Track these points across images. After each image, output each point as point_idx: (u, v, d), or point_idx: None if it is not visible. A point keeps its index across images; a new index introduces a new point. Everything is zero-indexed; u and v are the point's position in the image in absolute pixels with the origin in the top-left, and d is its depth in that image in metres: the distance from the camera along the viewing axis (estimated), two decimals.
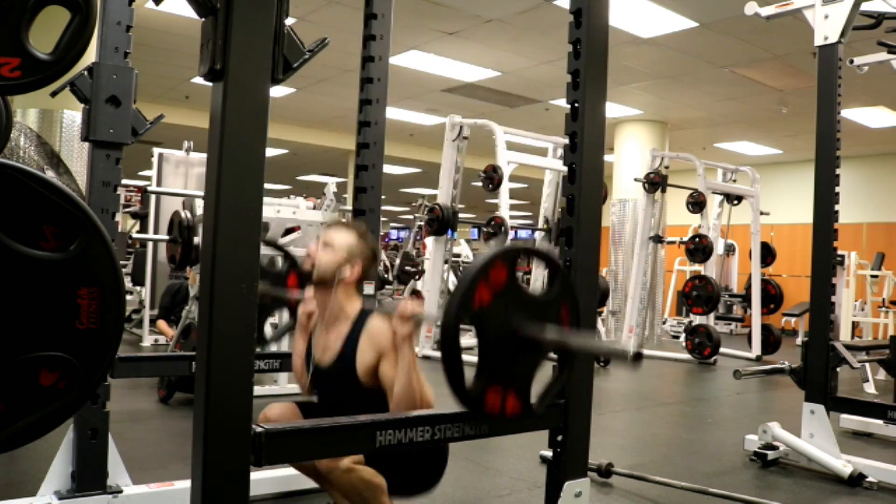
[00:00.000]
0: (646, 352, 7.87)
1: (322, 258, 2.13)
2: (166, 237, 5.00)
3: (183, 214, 4.64)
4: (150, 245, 7.29)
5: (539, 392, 1.71)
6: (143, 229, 7.77)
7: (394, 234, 24.63)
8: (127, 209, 8.93)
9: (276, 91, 8.63)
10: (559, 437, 1.87)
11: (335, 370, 2.14)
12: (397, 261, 10.31)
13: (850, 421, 4.18)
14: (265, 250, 2.78)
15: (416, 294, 9.86)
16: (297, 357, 2.28)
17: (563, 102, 3.38)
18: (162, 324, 6.23)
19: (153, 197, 7.34)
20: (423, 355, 6.57)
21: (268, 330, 4.23)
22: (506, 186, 6.69)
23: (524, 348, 1.62)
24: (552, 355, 1.73)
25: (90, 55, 1.84)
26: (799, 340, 9.00)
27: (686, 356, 7.38)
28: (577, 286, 1.80)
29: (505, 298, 1.58)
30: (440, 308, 6.96)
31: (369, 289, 2.65)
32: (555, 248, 6.84)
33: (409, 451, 2.00)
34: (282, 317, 4.26)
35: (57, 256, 1.11)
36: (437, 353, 6.80)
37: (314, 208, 5.48)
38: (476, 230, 19.32)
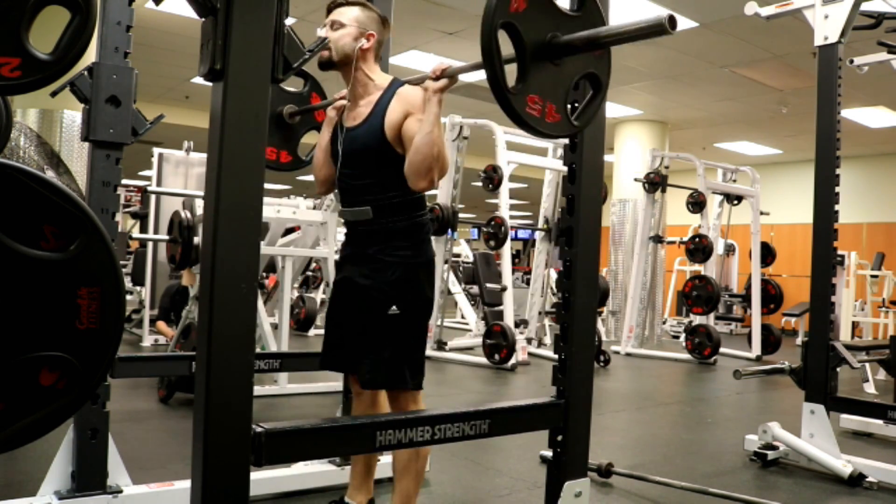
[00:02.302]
0: (646, 352, 7.88)
1: (335, 37, 2.13)
2: (166, 237, 5.01)
3: (183, 214, 4.65)
4: (150, 245, 7.29)
5: (580, 108, 1.64)
6: (143, 229, 7.77)
7: None
8: (127, 209, 8.93)
9: None
10: (559, 437, 1.87)
11: (362, 130, 2.13)
12: None
13: (850, 421, 4.18)
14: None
15: None
16: (320, 150, 2.28)
17: None
18: (161, 324, 6.24)
19: (153, 197, 7.34)
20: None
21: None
22: (506, 186, 6.69)
23: (560, 60, 1.56)
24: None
25: (90, 55, 1.84)
26: (799, 340, 9.00)
27: (686, 356, 7.38)
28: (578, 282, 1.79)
29: (539, 8, 1.52)
30: (440, 308, 6.97)
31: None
32: (554, 248, 6.81)
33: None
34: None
35: (57, 256, 1.11)
36: (439, 354, 6.82)
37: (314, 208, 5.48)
38: (476, 230, 19.31)
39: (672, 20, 1.36)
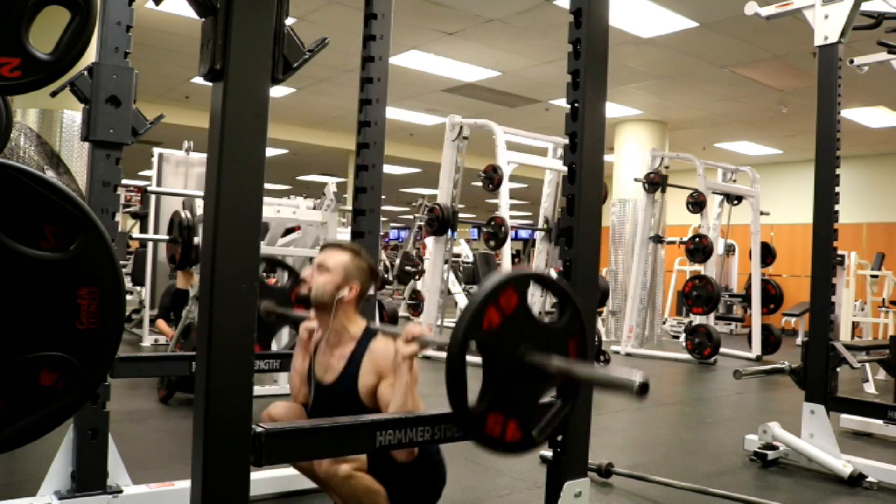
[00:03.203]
0: (646, 352, 7.88)
1: (318, 282, 2.12)
2: (166, 237, 5.01)
3: (183, 214, 4.65)
4: (150, 245, 7.29)
5: (542, 422, 1.68)
6: (143, 229, 7.77)
7: (394, 234, 24.63)
8: (127, 209, 8.93)
9: (276, 91, 8.63)
10: (559, 437, 1.87)
11: (337, 390, 2.14)
12: (397, 261, 10.32)
13: (850, 421, 4.18)
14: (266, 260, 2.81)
15: (415, 294, 9.87)
16: (296, 374, 2.28)
17: (563, 102, 3.38)
18: (161, 323, 6.24)
19: (153, 197, 7.34)
20: (423, 356, 6.56)
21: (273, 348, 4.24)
22: (506, 186, 6.69)
23: (529, 376, 1.60)
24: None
25: (90, 55, 1.84)
26: (799, 340, 9.00)
27: (686, 356, 7.38)
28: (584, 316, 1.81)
29: (513, 324, 1.57)
30: (439, 308, 6.97)
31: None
32: (554, 248, 6.80)
33: (408, 463, 2.00)
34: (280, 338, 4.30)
35: (57, 256, 1.11)
36: (439, 354, 6.82)
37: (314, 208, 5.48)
38: (476, 230, 19.31)
39: (644, 387, 1.42)
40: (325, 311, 2.15)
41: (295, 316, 2.73)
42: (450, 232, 6.87)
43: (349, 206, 3.44)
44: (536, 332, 1.62)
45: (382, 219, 3.35)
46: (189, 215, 4.61)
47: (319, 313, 2.17)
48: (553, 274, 8.08)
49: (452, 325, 7.68)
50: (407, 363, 1.91)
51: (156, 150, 7.31)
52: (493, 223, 6.63)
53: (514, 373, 1.58)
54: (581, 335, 1.70)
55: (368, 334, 2.15)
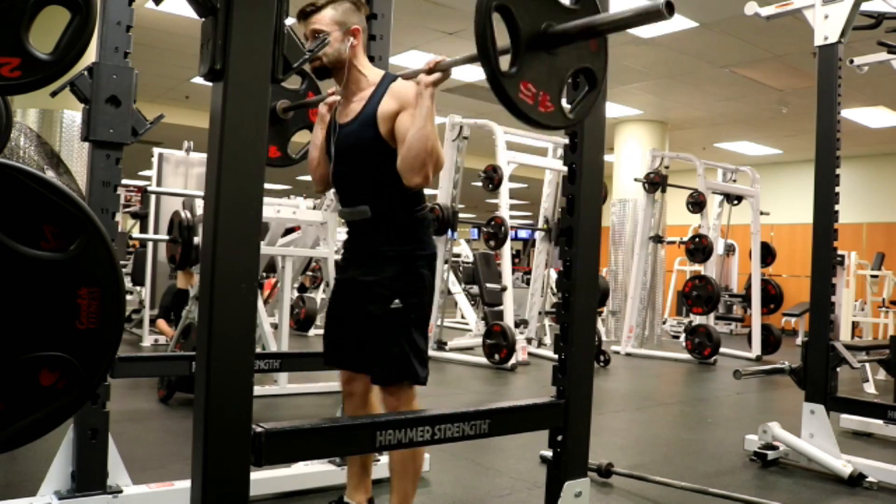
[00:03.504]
0: (646, 352, 7.88)
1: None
2: (166, 237, 5.01)
3: (183, 214, 4.65)
4: (150, 245, 7.29)
5: (576, 100, 1.62)
6: (143, 229, 7.77)
7: None
8: (127, 209, 8.93)
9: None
10: (559, 437, 1.87)
11: (355, 126, 2.11)
12: None
13: (850, 421, 4.18)
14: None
15: None
16: (314, 148, 2.27)
17: None
18: (161, 323, 6.24)
19: (153, 197, 7.34)
20: None
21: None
22: (506, 186, 6.69)
23: (555, 49, 1.53)
24: None
25: (90, 55, 1.84)
26: (799, 340, 9.00)
27: (686, 356, 7.38)
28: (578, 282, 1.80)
29: None
30: (439, 308, 6.97)
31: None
32: (554, 248, 6.82)
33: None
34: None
35: (57, 256, 1.11)
36: (439, 354, 6.81)
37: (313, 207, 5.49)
38: (476, 230, 19.31)
39: (669, 5, 1.34)
40: (341, 70, 2.12)
41: (312, 102, 2.64)
42: (450, 232, 6.87)
43: None
44: (558, 11, 1.53)
45: None
46: (189, 215, 4.61)
47: (338, 74, 2.14)
48: (553, 275, 8.06)
49: (453, 325, 7.74)
50: (429, 90, 1.91)
51: (156, 150, 7.31)
52: (493, 223, 6.63)
53: (541, 46, 1.51)
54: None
55: (388, 78, 2.12)
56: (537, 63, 1.52)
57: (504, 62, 1.47)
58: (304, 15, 2.13)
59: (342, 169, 2.17)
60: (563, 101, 1.58)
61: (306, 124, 2.76)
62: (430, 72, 1.90)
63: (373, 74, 2.16)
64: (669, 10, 1.35)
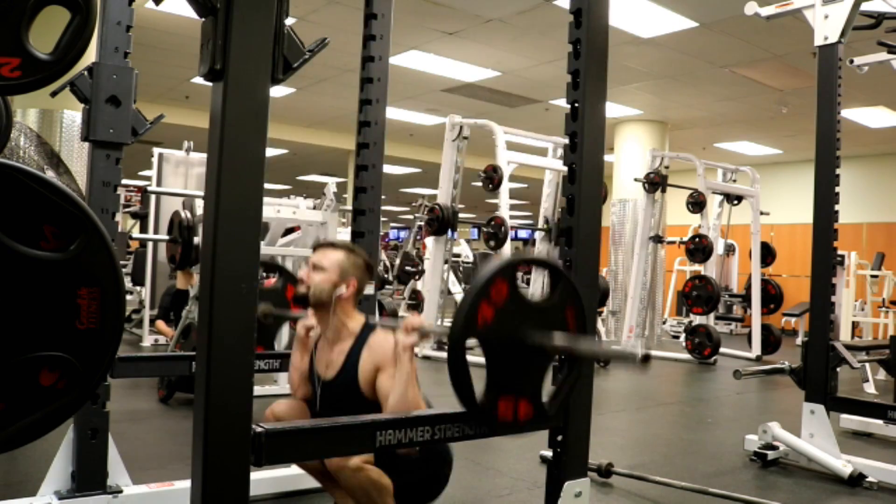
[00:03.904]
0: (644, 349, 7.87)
1: (315, 280, 2.12)
2: (166, 237, 5.00)
3: (183, 214, 4.64)
4: (150, 245, 7.29)
5: (550, 394, 1.71)
6: (143, 229, 7.77)
7: (394, 234, 24.63)
8: (127, 209, 8.93)
9: (276, 91, 8.63)
10: (559, 437, 1.87)
11: (337, 383, 2.14)
12: (397, 261, 10.32)
13: (850, 421, 4.18)
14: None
15: (415, 294, 9.87)
16: (294, 371, 2.29)
17: (563, 102, 3.38)
18: (161, 324, 6.23)
19: (153, 197, 7.34)
20: (423, 355, 6.57)
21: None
22: (506, 186, 6.69)
23: (532, 356, 1.62)
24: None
25: (90, 55, 1.84)
26: (799, 340, 9.00)
27: (686, 356, 7.38)
28: (579, 287, 1.80)
29: (508, 311, 1.58)
30: (439, 308, 6.97)
31: (369, 289, 2.66)
32: (554, 248, 6.82)
33: (415, 457, 2.01)
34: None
35: (57, 256, 1.11)
36: (438, 354, 6.82)
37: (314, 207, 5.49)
38: (476, 230, 19.31)
39: (646, 357, 1.45)
40: (323, 310, 2.15)
41: (292, 315, 2.75)
42: (450, 232, 6.87)
43: (349, 206, 3.44)
44: (533, 312, 1.64)
45: (382, 219, 3.36)
46: (189, 215, 4.61)
47: (318, 312, 2.17)
48: None
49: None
50: (407, 354, 1.91)
51: (156, 150, 7.31)
52: (493, 223, 6.63)
53: (517, 356, 1.60)
54: (577, 305, 1.71)
55: (367, 329, 2.15)
56: (514, 370, 1.62)
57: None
58: (317, 246, 2.20)
59: (327, 412, 2.18)
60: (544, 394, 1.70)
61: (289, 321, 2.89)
62: (408, 332, 1.89)
63: (354, 324, 2.17)
64: (645, 361, 1.45)
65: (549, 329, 1.64)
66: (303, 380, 2.27)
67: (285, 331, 4.83)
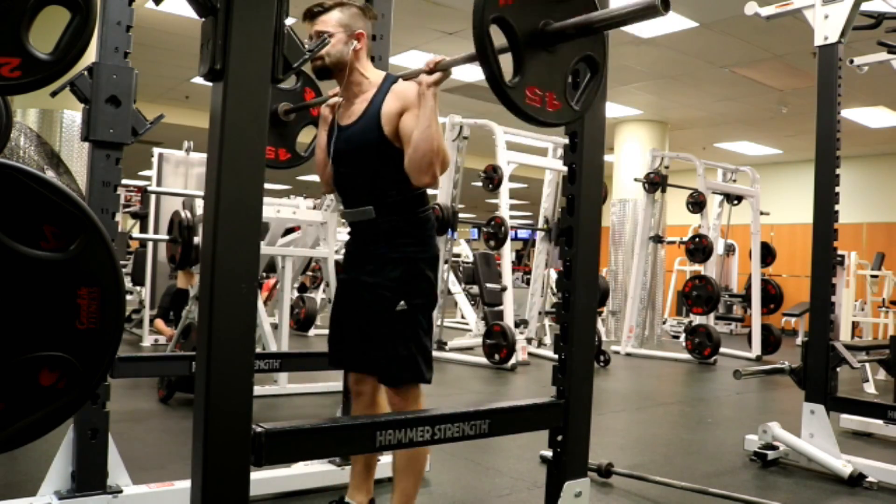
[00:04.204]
0: (646, 352, 7.88)
1: (326, 49, 2.09)
2: (166, 237, 5.01)
3: (183, 214, 4.65)
4: (150, 245, 7.29)
5: (579, 93, 1.63)
6: (143, 229, 7.77)
7: None
8: (127, 209, 8.93)
9: None
10: (559, 437, 1.87)
11: (358, 127, 2.12)
12: None
13: (850, 421, 4.18)
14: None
15: None
16: (320, 150, 2.27)
17: None
18: (159, 323, 6.24)
19: (153, 197, 7.34)
20: None
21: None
22: (506, 186, 6.69)
23: (555, 47, 1.55)
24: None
25: (90, 55, 1.84)
26: (799, 340, 9.00)
27: (686, 356, 7.38)
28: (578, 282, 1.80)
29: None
30: (440, 308, 6.97)
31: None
32: (554, 248, 6.81)
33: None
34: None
35: (57, 256, 1.11)
36: (438, 354, 6.81)
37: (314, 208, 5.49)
38: (476, 230, 19.30)
39: (665, 1, 1.35)
40: (343, 72, 2.13)
41: (313, 103, 2.66)
42: (450, 232, 6.87)
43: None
44: (553, 6, 1.55)
45: None
46: (189, 215, 4.61)
47: (339, 77, 2.14)
48: (553, 275, 8.06)
49: (453, 325, 7.74)
50: (432, 90, 1.93)
51: (156, 150, 7.31)
52: (493, 223, 6.63)
53: (540, 46, 1.53)
54: None
55: (390, 79, 2.13)
56: (538, 64, 1.54)
57: (505, 59, 1.48)
58: (311, 15, 2.14)
59: (344, 170, 2.18)
60: (568, 96, 1.60)
61: (310, 121, 2.77)
62: (430, 72, 1.91)
63: (374, 76, 2.16)
64: (665, 5, 1.36)
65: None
66: (327, 157, 2.24)
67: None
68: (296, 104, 2.73)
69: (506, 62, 1.48)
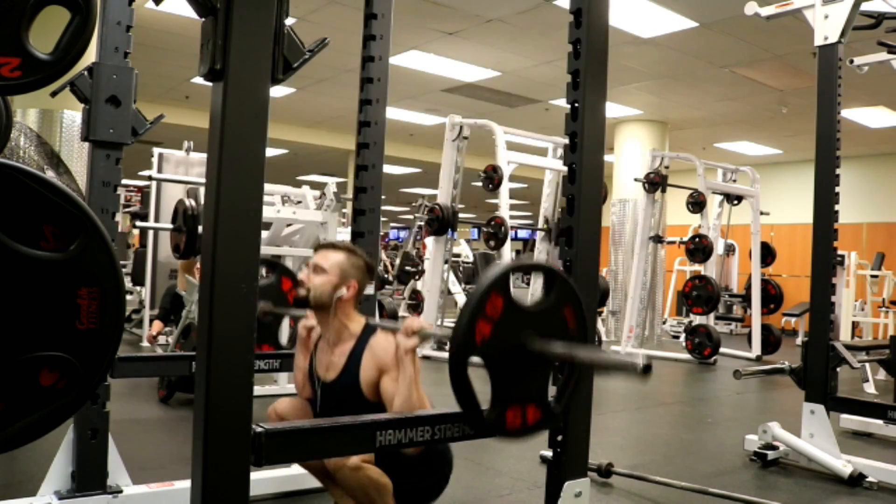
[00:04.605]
0: (646, 352, 7.88)
1: (316, 283, 2.12)
2: (170, 226, 4.99)
3: (187, 203, 4.62)
4: (150, 245, 7.29)
5: (554, 395, 1.70)
6: (143, 231, 7.77)
7: (394, 234, 24.63)
8: (127, 209, 8.93)
9: (276, 91, 8.63)
10: (559, 437, 1.87)
11: (339, 386, 2.14)
12: (397, 261, 10.32)
13: (850, 421, 4.18)
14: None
15: (415, 294, 9.86)
16: (299, 371, 2.29)
17: (563, 102, 3.38)
18: (157, 323, 6.22)
19: (153, 196, 7.33)
20: (423, 355, 6.57)
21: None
22: (506, 186, 6.69)
23: (534, 360, 1.61)
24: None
25: (90, 55, 1.84)
26: (799, 340, 9.00)
27: (686, 356, 7.38)
28: (576, 286, 1.80)
29: (505, 323, 1.57)
30: (439, 308, 6.97)
31: (370, 289, 2.66)
32: (554, 248, 6.81)
33: (415, 456, 2.00)
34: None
35: (57, 256, 1.11)
36: (438, 354, 6.82)
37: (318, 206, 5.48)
38: (476, 230, 19.31)
39: (647, 368, 1.43)
40: (324, 311, 2.15)
41: (291, 311, 2.74)
42: (450, 232, 6.87)
43: (349, 196, 3.43)
44: (531, 318, 1.62)
45: (382, 219, 3.35)
46: (193, 203, 4.58)
47: (319, 313, 2.17)
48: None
49: (453, 325, 7.64)
50: (409, 356, 1.91)
51: (156, 150, 7.30)
52: (493, 223, 6.63)
53: (520, 364, 1.59)
54: (575, 304, 1.69)
55: (368, 330, 2.15)
56: (518, 378, 1.61)
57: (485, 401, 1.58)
58: (318, 247, 2.19)
59: (328, 414, 2.17)
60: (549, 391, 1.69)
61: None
62: (409, 335, 1.89)
63: (355, 326, 2.17)
64: (646, 371, 1.43)
65: (549, 330, 1.63)
66: (306, 380, 2.27)
67: (285, 324, 4.84)
68: (273, 298, 2.82)
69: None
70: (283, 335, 4.45)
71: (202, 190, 4.78)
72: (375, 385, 2.07)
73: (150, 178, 6.30)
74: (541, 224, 7.74)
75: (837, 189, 3.36)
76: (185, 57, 7.63)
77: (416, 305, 9.49)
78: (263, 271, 2.89)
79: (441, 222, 6.67)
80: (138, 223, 7.49)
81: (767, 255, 8.49)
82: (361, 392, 2.08)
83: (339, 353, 2.16)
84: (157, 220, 7.24)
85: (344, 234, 4.93)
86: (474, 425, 1.56)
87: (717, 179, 8.66)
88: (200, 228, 4.50)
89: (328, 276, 2.12)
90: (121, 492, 2.34)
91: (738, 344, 8.54)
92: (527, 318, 1.62)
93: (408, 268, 9.94)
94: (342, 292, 2.13)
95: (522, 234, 18.70)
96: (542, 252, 7.80)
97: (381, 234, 8.06)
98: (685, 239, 7.84)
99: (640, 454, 3.65)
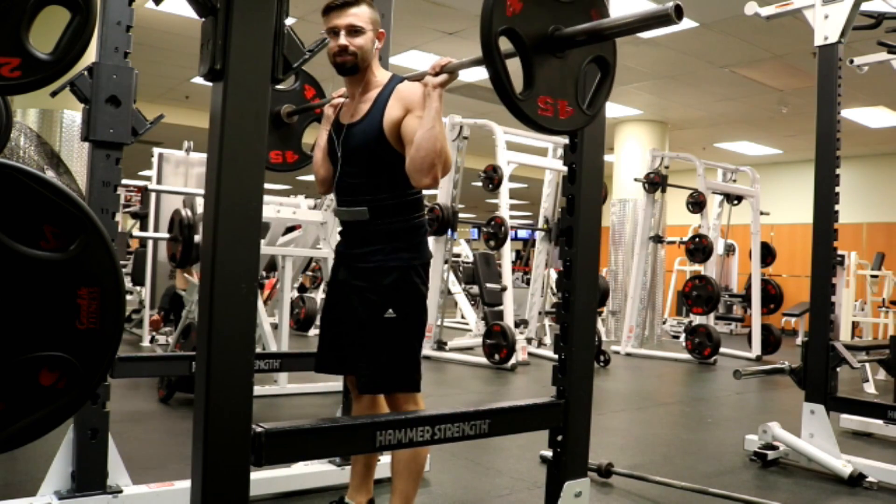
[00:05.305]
0: (646, 352, 7.88)
1: (359, 44, 2.05)
2: (167, 235, 5.01)
3: (184, 212, 4.65)
4: (149, 245, 7.29)
5: (589, 95, 1.64)
6: (143, 229, 7.77)
7: None
8: (127, 209, 8.93)
9: None
10: (559, 437, 1.87)
11: (360, 127, 2.10)
12: None
13: (850, 421, 4.18)
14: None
15: None
16: (319, 150, 2.26)
17: None
18: (157, 318, 6.22)
19: (153, 197, 7.34)
20: (423, 355, 6.57)
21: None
22: (506, 186, 6.69)
23: (564, 56, 1.54)
24: None
25: (90, 55, 1.84)
26: (799, 340, 9.00)
27: (686, 356, 7.38)
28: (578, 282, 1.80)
29: (535, 5, 1.50)
30: (439, 307, 6.97)
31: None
32: (554, 248, 6.81)
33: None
34: None
35: (57, 256, 1.11)
36: (439, 354, 6.81)
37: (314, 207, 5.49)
38: (476, 230, 19.30)
39: (679, 9, 1.33)
40: (361, 73, 2.10)
41: (317, 104, 2.64)
42: (450, 232, 6.87)
43: None
44: (561, 10, 1.54)
45: None
46: (189, 213, 4.61)
47: (355, 77, 2.11)
48: (553, 275, 8.05)
49: (453, 325, 7.73)
50: (437, 91, 1.91)
51: (156, 150, 7.31)
52: (493, 223, 6.63)
53: (550, 52, 1.53)
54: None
55: (395, 80, 2.11)
56: (549, 72, 1.53)
57: (513, 63, 1.47)
58: (340, 6, 2.07)
59: (346, 169, 2.16)
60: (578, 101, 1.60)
61: (313, 119, 2.76)
62: (436, 74, 1.90)
63: (381, 76, 2.15)
64: (678, 13, 1.34)
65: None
66: (325, 158, 2.22)
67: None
68: (297, 104, 2.72)
69: (512, 64, 1.47)
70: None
71: (199, 199, 4.78)
72: (397, 126, 2.02)
73: (146, 188, 6.31)
74: (541, 224, 7.74)
75: (837, 189, 3.36)
76: (185, 57, 7.63)
77: None
78: (292, 79, 2.72)
79: (441, 222, 6.67)
80: (135, 232, 7.50)
81: (767, 255, 8.49)
82: (383, 132, 2.03)
83: (365, 100, 2.11)
84: (156, 221, 7.25)
85: None
86: (507, 102, 1.47)
87: (717, 179, 8.66)
88: (197, 238, 4.52)
89: (368, 35, 2.07)
90: (121, 492, 2.34)
91: (738, 344, 8.54)
92: (558, 8, 1.54)
93: None
94: (377, 43, 2.11)
95: (522, 233, 18.69)
96: (542, 252, 7.81)
97: None
98: (685, 239, 7.85)
99: (640, 454, 3.65)
